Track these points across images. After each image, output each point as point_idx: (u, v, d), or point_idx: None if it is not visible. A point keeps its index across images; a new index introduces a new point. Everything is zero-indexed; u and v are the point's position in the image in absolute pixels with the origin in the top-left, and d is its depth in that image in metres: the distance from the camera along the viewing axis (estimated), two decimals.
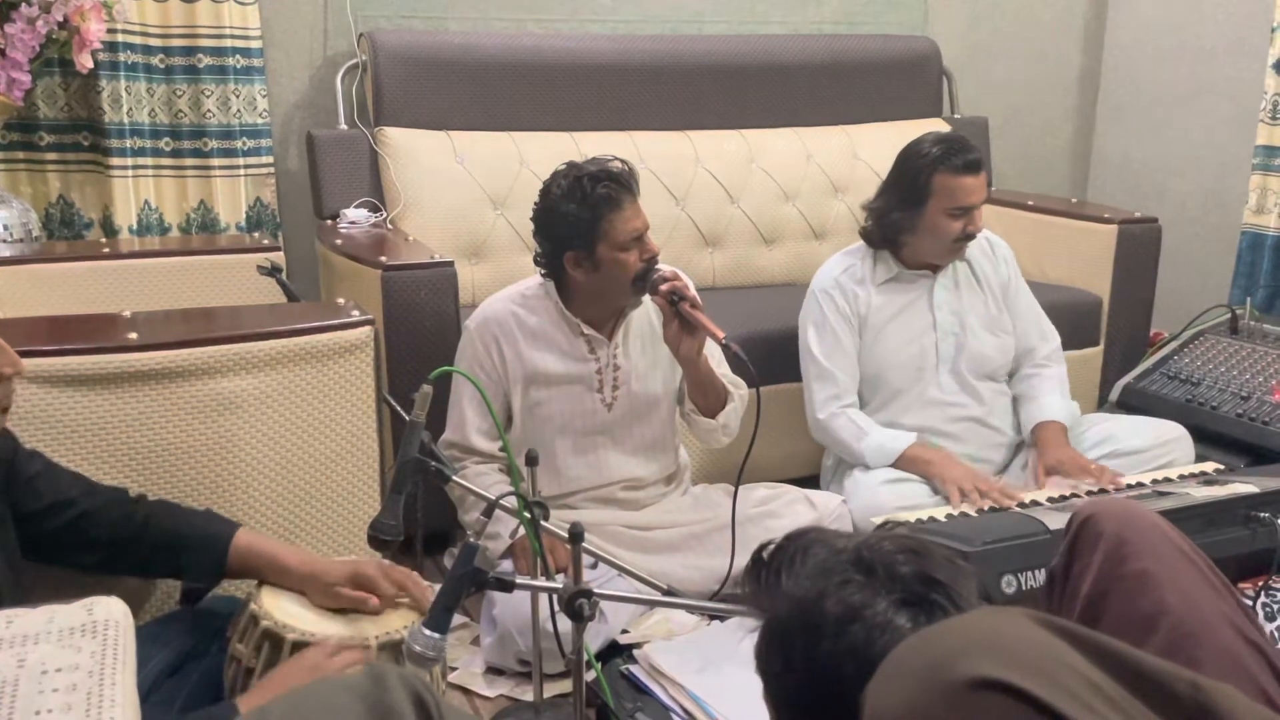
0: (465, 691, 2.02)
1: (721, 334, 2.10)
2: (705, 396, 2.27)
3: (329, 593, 1.56)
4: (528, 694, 1.97)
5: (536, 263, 2.23)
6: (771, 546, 1.04)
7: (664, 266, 2.17)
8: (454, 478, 1.62)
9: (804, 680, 0.94)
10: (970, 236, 2.45)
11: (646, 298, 2.20)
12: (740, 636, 1.05)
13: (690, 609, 1.97)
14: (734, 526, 2.13)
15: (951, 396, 2.54)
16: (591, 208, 2.09)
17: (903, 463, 2.43)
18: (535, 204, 2.19)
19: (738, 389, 2.31)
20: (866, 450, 2.45)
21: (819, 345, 2.52)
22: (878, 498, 2.33)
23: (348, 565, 1.59)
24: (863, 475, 2.44)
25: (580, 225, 2.10)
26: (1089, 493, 2.27)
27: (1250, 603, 1.95)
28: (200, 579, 1.65)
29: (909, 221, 2.45)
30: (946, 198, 2.40)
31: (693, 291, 2.13)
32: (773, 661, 0.98)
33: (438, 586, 1.46)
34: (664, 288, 2.12)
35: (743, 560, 2.09)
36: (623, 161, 2.16)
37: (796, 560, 0.99)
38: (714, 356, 2.28)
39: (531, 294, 2.26)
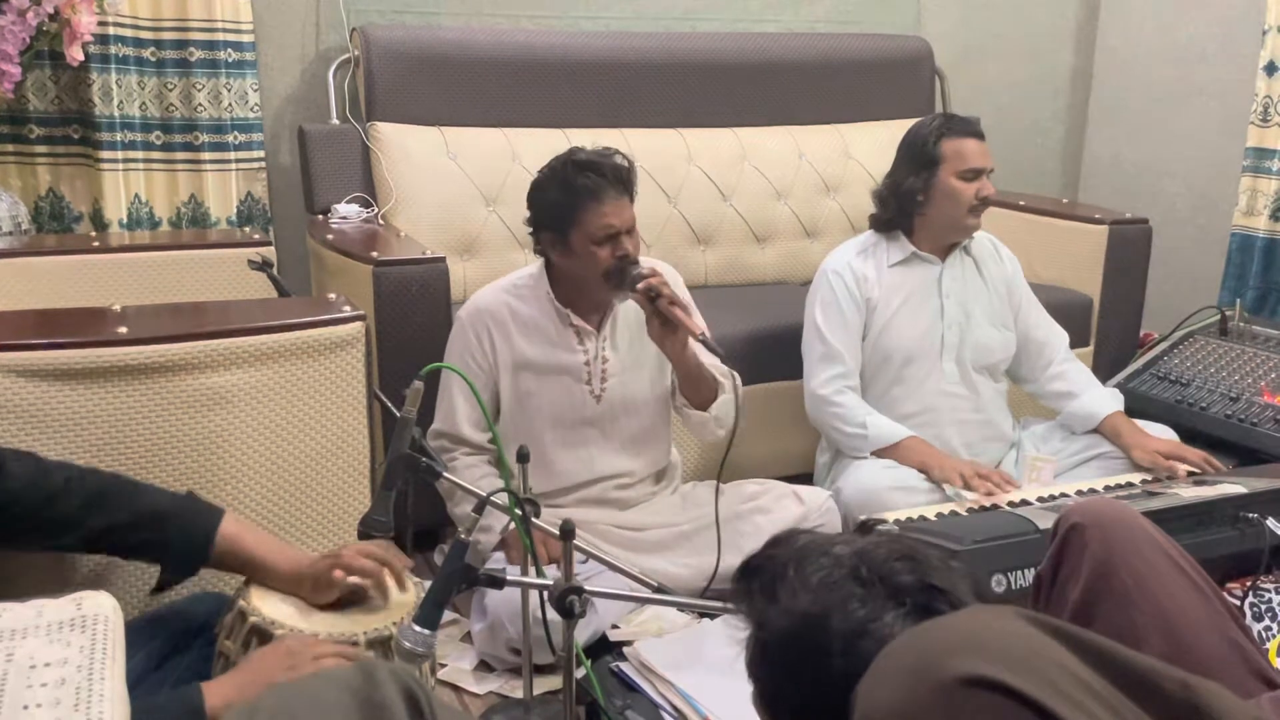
0: (455, 688, 2.02)
1: (697, 330, 2.11)
2: (696, 390, 2.27)
3: (319, 589, 1.54)
4: (518, 690, 1.97)
5: (531, 235, 2.25)
6: (761, 556, 1.03)
7: (646, 262, 2.17)
8: (444, 474, 1.62)
9: (813, 694, 0.94)
10: (985, 202, 2.49)
11: None
12: (727, 645, 1.05)
13: (681, 606, 1.97)
14: (718, 523, 2.14)
15: (953, 386, 2.56)
16: (570, 194, 2.10)
17: (899, 450, 2.43)
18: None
19: (729, 380, 2.31)
20: (871, 426, 2.45)
21: (826, 324, 2.53)
22: (874, 480, 2.35)
23: (324, 559, 1.55)
24: (861, 461, 2.45)
25: (556, 210, 2.13)
26: (1079, 492, 2.28)
27: (1238, 603, 1.97)
28: (181, 568, 1.59)
29: (925, 188, 2.48)
30: (957, 160, 2.47)
31: (671, 289, 2.12)
32: (774, 674, 0.98)
33: (428, 583, 1.45)
34: (640, 285, 2.11)
35: (729, 556, 2.12)
36: (625, 158, 2.16)
37: (791, 572, 0.98)
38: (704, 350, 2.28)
39: (524, 284, 2.26)
